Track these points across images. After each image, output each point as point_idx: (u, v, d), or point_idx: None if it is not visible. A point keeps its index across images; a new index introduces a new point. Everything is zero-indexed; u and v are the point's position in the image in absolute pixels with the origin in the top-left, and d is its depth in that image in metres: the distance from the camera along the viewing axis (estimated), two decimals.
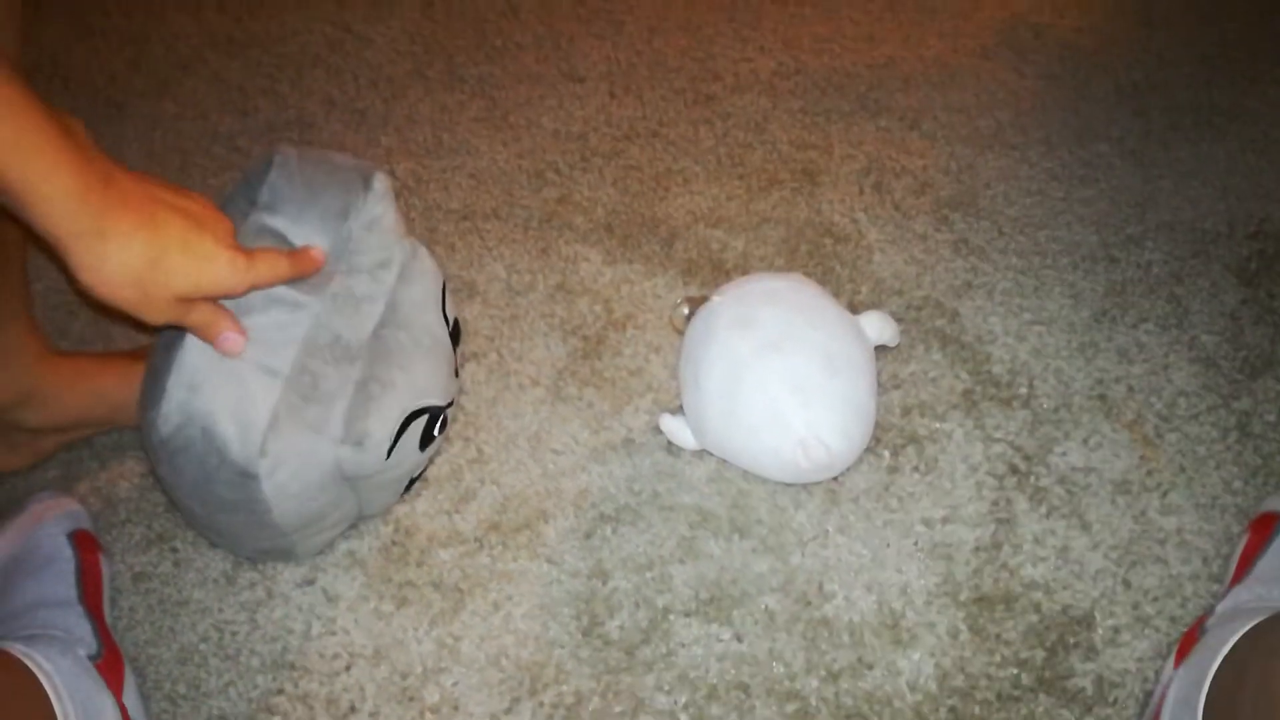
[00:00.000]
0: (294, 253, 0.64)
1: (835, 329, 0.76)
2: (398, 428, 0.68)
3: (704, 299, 0.81)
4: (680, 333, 0.83)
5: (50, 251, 0.53)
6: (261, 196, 0.66)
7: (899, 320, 0.89)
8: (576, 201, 1.06)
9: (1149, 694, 0.67)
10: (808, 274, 0.92)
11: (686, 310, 0.83)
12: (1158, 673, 0.68)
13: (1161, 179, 1.06)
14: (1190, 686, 0.57)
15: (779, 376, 0.73)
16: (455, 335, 0.77)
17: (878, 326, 0.81)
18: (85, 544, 0.73)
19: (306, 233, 0.66)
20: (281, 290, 0.64)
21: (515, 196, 1.08)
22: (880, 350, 0.86)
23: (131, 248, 0.53)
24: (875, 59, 1.24)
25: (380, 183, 0.69)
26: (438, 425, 0.73)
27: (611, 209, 1.05)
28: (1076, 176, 1.06)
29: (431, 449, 0.75)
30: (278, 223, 0.66)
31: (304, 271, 0.64)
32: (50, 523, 0.73)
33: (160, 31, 1.38)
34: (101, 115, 1.24)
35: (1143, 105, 1.15)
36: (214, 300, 0.60)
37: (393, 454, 0.68)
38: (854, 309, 0.82)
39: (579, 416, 0.86)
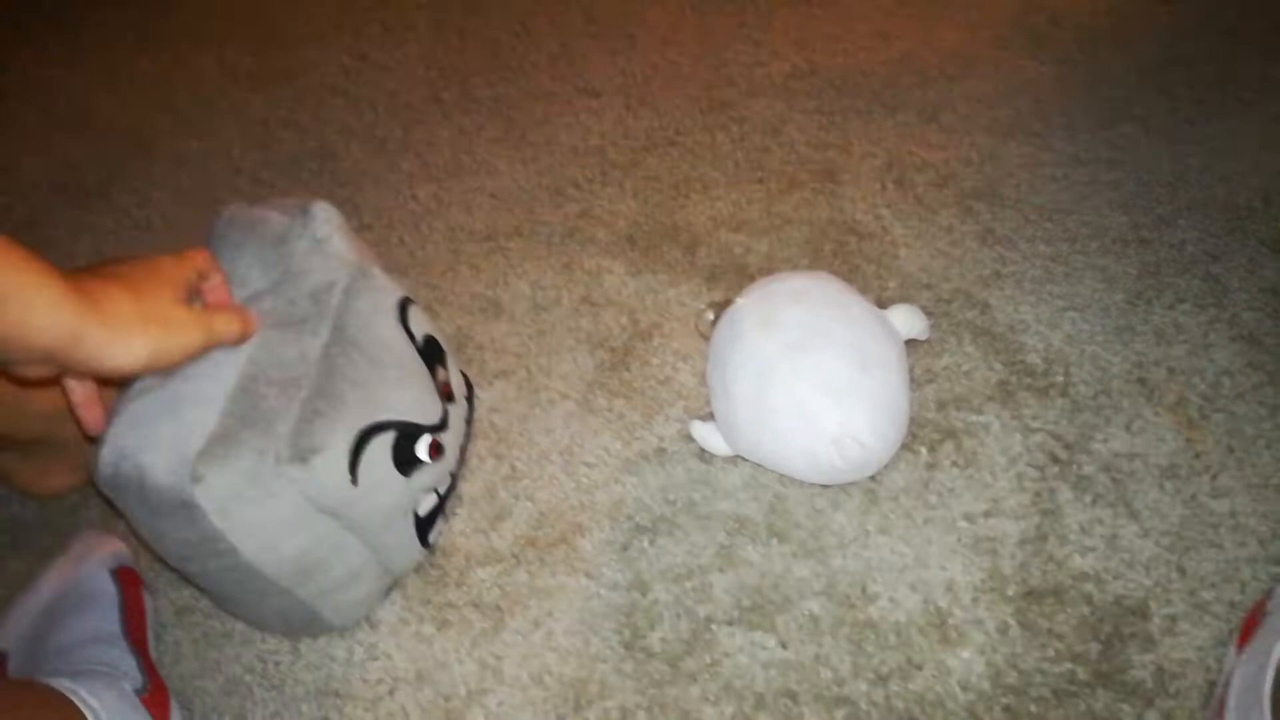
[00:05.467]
0: (244, 312, 0.64)
1: (863, 325, 0.75)
2: (353, 444, 0.63)
3: (729, 303, 0.80)
4: (706, 339, 0.83)
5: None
6: (209, 245, 0.69)
7: (929, 314, 0.88)
8: (597, 215, 1.06)
9: (1212, 683, 0.65)
10: (833, 273, 0.91)
11: (712, 316, 0.83)
12: (1220, 661, 0.66)
13: (1190, 157, 1.03)
14: (1255, 672, 0.56)
15: (808, 375, 0.72)
16: (432, 353, 0.74)
17: (907, 320, 0.79)
18: (128, 579, 0.74)
19: (247, 260, 0.68)
20: None
21: (536, 214, 1.08)
22: (911, 345, 0.85)
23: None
24: (890, 55, 1.23)
25: (322, 209, 0.70)
26: (421, 447, 0.69)
27: (632, 220, 1.05)
28: (1102, 159, 1.05)
29: (427, 478, 0.71)
30: (221, 262, 0.68)
31: (248, 330, 0.64)
32: (93, 560, 0.74)
33: (183, 72, 1.40)
34: (130, 156, 1.26)
35: (1166, 83, 1.13)
36: (223, 314, 0.62)
37: (361, 477, 0.64)
38: (882, 305, 0.80)
39: (610, 428, 0.85)
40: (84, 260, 1.10)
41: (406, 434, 0.68)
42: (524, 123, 1.21)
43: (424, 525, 0.73)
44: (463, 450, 0.79)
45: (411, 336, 0.72)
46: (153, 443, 0.60)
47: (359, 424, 0.64)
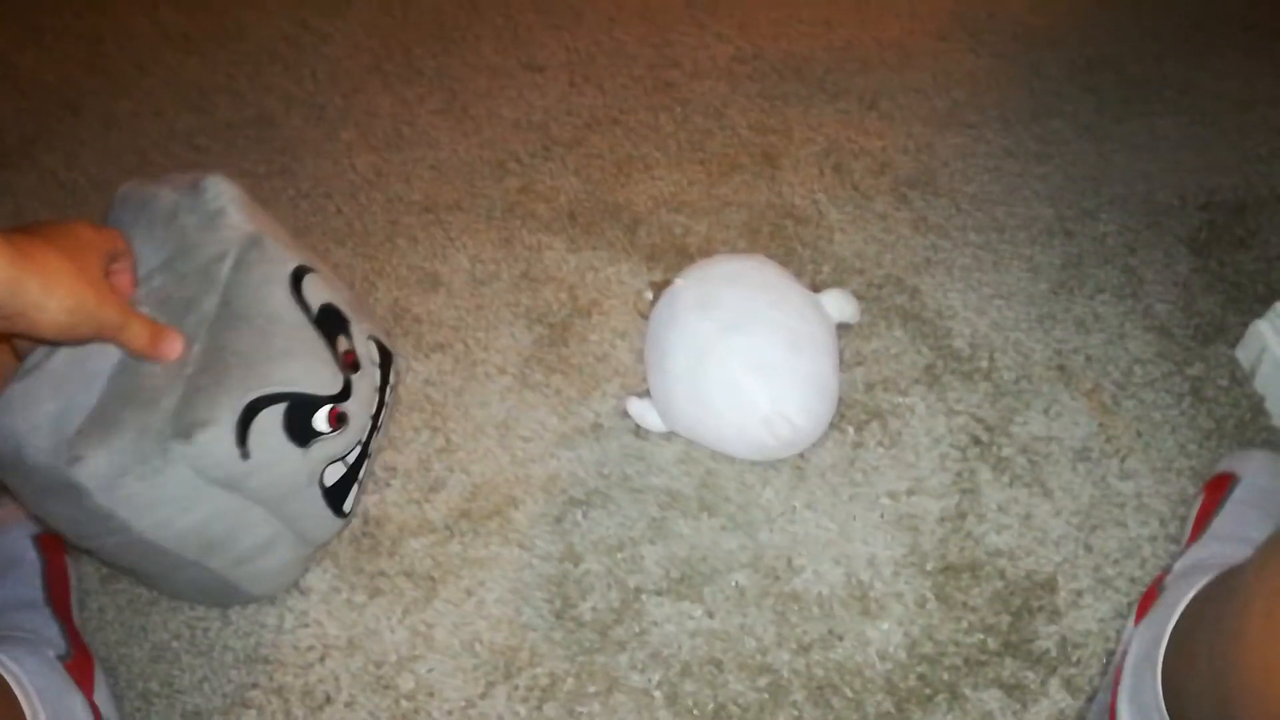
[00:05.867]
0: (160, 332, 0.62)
1: (796, 308, 0.77)
2: (239, 417, 0.62)
3: (667, 283, 0.81)
4: (645, 317, 0.84)
5: None
6: (109, 224, 0.67)
7: (861, 298, 0.90)
8: (539, 191, 1.07)
9: (1111, 653, 0.68)
10: (770, 256, 0.93)
11: (650, 295, 0.84)
12: (1119, 632, 0.69)
13: (1115, 153, 1.07)
14: (1150, 643, 0.59)
15: (742, 356, 0.74)
16: (331, 322, 0.72)
17: (838, 304, 0.81)
18: (51, 546, 0.73)
19: (139, 239, 0.67)
20: None
21: (477, 187, 1.08)
22: (843, 328, 0.87)
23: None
24: (832, 42, 1.25)
25: (214, 183, 0.69)
26: (320, 418, 0.68)
27: (574, 197, 1.05)
28: (1032, 153, 1.08)
29: (329, 448, 0.70)
30: None
31: (158, 353, 0.62)
32: (14, 527, 0.73)
33: (115, 31, 1.36)
34: (56, 115, 1.22)
35: (1095, 81, 1.17)
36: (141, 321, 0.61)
37: (252, 450, 0.63)
38: (816, 289, 0.82)
39: (546, 403, 0.86)
40: (4, 223, 1.07)
41: (300, 405, 0.66)
42: (466, 95, 1.20)
43: (334, 495, 0.72)
44: (376, 419, 0.78)
45: (306, 306, 0.70)
46: (34, 423, 0.59)
47: (245, 397, 0.63)
